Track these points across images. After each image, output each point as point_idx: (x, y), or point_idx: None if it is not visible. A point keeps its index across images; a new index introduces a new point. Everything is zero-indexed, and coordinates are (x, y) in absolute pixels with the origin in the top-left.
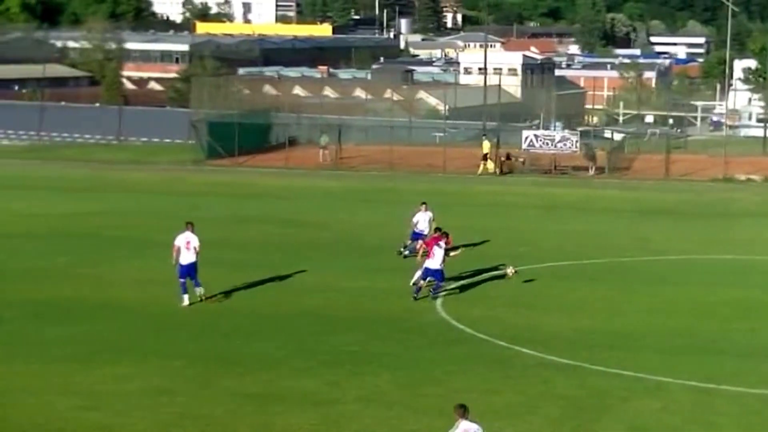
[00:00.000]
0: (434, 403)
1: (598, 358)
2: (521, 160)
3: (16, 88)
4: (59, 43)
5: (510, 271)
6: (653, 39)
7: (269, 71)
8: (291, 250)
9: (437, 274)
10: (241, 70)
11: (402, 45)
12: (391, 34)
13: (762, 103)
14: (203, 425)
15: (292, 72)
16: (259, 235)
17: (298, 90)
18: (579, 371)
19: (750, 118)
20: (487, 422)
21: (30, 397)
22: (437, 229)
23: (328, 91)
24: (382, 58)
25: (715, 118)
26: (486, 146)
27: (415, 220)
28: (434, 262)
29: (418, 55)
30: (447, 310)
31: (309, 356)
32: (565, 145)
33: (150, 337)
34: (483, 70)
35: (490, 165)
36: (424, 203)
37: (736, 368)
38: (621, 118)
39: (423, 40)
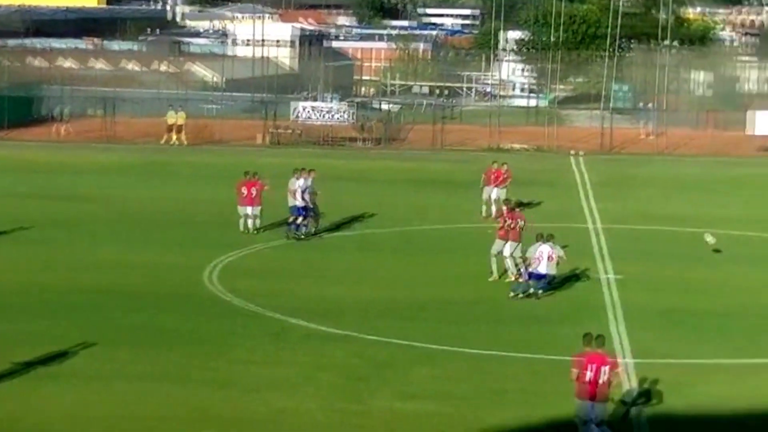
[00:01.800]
0: (213, 376)
1: (376, 327)
2: (297, 132)
3: None
4: None
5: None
6: (425, 10)
7: (37, 42)
8: (69, 226)
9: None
10: (9, 42)
11: (173, 16)
12: (161, 6)
13: (530, 74)
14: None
15: (61, 43)
16: (35, 210)
17: (66, 61)
18: (357, 341)
19: (519, 89)
20: (264, 394)
21: None
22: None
23: (98, 63)
24: (154, 30)
25: (485, 89)
26: (175, 117)
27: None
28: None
29: (189, 27)
30: (223, 283)
31: (87, 333)
32: (339, 116)
33: None
34: (255, 42)
35: (183, 136)
36: (303, 169)
37: (519, 335)
38: (394, 89)
39: (194, 11)
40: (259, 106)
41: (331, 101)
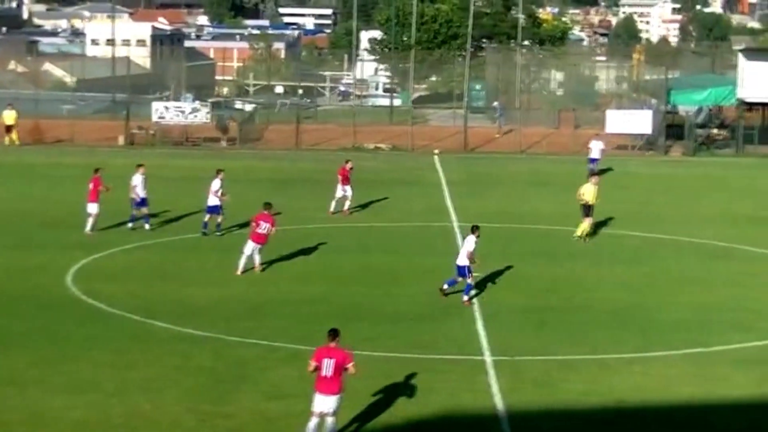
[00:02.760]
0: (70, 380)
1: (235, 328)
2: (151, 132)
3: None
4: None
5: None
6: (282, 10)
7: None
8: None
9: None
10: None
11: (26, 15)
12: (14, 4)
13: (388, 73)
14: None
15: None
16: None
17: None
18: (216, 342)
19: (377, 88)
20: (125, 397)
21: None
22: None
23: None
24: (4, 29)
25: (343, 88)
26: (10, 117)
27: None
28: None
29: (42, 26)
30: (79, 286)
31: None
32: (196, 116)
33: None
34: (111, 41)
35: (15, 136)
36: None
37: (372, 333)
38: (251, 89)
39: (48, 10)
40: (120, 107)
41: (190, 101)
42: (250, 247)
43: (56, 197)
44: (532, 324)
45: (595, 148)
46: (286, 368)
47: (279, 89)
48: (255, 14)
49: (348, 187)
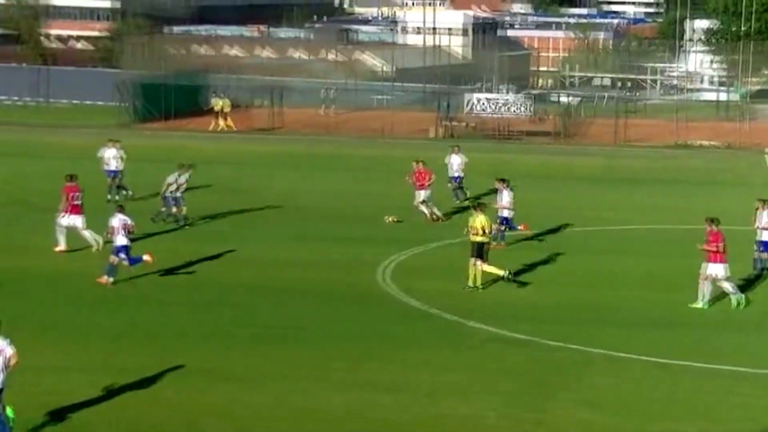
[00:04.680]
0: (376, 379)
1: (555, 332)
2: (465, 124)
3: None
4: None
5: (390, 219)
6: None
7: (201, 30)
8: (232, 219)
9: None
10: (173, 29)
11: (341, 3)
12: None
13: (719, 66)
14: (148, 402)
15: (227, 30)
16: (197, 202)
17: (231, 49)
18: (535, 346)
19: (706, 82)
20: (436, 398)
21: None
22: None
23: (263, 51)
24: (321, 17)
25: (671, 82)
26: (218, 103)
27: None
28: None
29: (357, 13)
30: (396, 282)
31: (249, 330)
32: (515, 109)
33: (89, 311)
34: (425, 30)
35: (224, 122)
36: (456, 146)
37: (694, 342)
38: (574, 81)
39: None
40: (431, 98)
41: (507, 93)
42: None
43: (366, 190)
44: None
45: None
46: (603, 376)
47: (602, 81)
48: (576, 2)
49: (423, 192)
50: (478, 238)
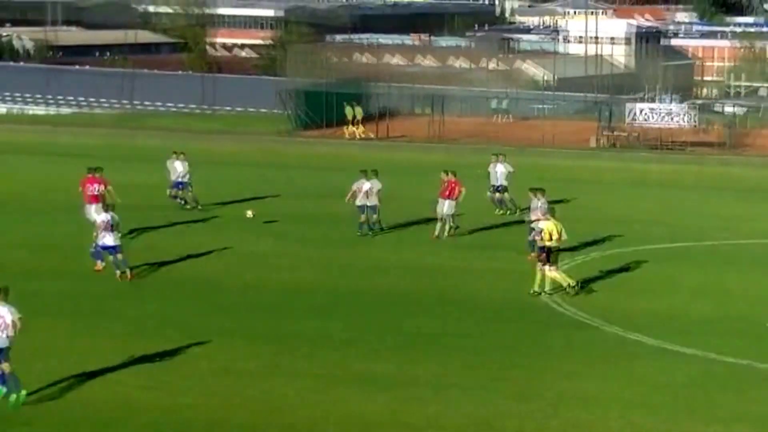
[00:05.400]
0: (513, 387)
1: (713, 345)
2: (634, 134)
3: (97, 54)
4: (143, 8)
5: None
6: None
7: (363, 38)
8: (397, 227)
9: None
10: (335, 37)
11: (501, 11)
12: (489, 0)
13: None
14: (270, 406)
15: (387, 39)
16: (348, 209)
17: (392, 58)
18: (694, 359)
19: None
20: (561, 408)
21: (93, 373)
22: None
23: (424, 60)
24: (481, 25)
25: None
26: (350, 112)
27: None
28: None
29: (518, 22)
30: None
31: (381, 337)
32: (679, 119)
33: (216, 314)
34: (587, 39)
35: (354, 129)
36: (502, 155)
37: None
38: (741, 91)
39: (528, 6)
40: (592, 107)
41: (671, 103)
42: None
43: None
44: None
45: None
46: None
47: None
48: (742, 10)
49: (448, 202)
50: (549, 243)
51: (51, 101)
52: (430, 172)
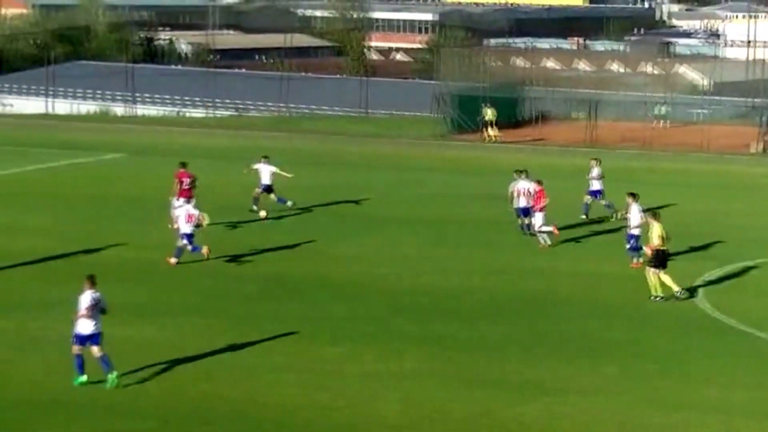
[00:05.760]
0: (662, 396)
1: None
2: None
3: (256, 57)
4: (302, 12)
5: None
6: None
7: (519, 42)
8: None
9: None
10: (491, 41)
11: (659, 15)
12: (647, 4)
13: None
14: (426, 408)
15: (543, 43)
16: (501, 214)
17: (548, 62)
18: None
19: None
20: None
21: (254, 373)
22: None
23: (581, 64)
24: (639, 29)
25: None
26: (487, 113)
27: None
28: None
29: (678, 27)
30: (708, 298)
31: (535, 342)
32: None
33: (377, 318)
34: (749, 43)
35: (491, 131)
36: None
37: None
38: None
39: (685, 10)
40: (752, 112)
41: None
42: None
43: (695, 208)
44: None
45: None
46: None
47: None
48: None
49: (540, 215)
50: (662, 246)
51: (209, 104)
52: (582, 176)
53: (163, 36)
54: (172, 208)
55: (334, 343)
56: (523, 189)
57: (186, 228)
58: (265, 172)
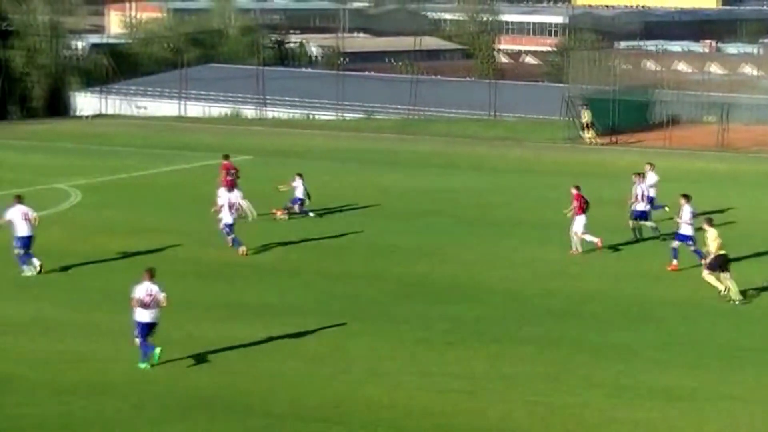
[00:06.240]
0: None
1: None
2: None
3: (386, 60)
4: (432, 15)
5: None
6: None
7: (650, 45)
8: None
9: None
10: (621, 44)
11: None
12: None
13: None
14: (550, 414)
15: (675, 46)
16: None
17: (680, 65)
18: None
19: None
20: None
21: (384, 375)
22: None
23: (713, 67)
24: None
25: None
26: (585, 115)
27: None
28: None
29: None
30: None
31: (668, 348)
32: None
33: (505, 320)
34: None
35: (589, 133)
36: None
37: None
38: None
39: None
40: None
41: None
42: None
43: None
44: None
45: None
46: None
47: None
48: None
49: (581, 218)
50: (721, 251)
51: (339, 107)
52: (713, 180)
53: (294, 39)
54: (218, 198)
55: (463, 347)
56: (638, 192)
57: (228, 218)
58: (299, 188)
